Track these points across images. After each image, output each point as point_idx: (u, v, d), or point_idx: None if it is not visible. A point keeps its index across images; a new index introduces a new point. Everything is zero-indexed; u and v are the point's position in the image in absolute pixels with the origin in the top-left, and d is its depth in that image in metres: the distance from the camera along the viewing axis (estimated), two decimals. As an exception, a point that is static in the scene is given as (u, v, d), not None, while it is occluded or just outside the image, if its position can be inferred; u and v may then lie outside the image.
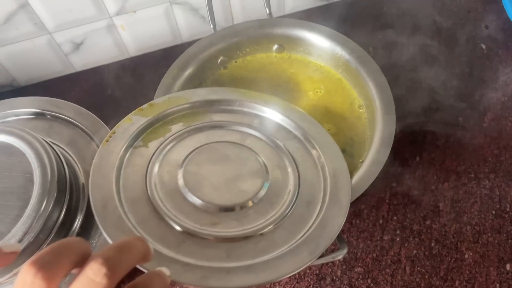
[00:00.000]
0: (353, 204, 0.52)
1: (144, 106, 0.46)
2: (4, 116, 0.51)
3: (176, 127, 0.46)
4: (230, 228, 0.39)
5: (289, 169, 0.43)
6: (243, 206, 0.41)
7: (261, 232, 0.39)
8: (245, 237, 0.39)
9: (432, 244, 0.54)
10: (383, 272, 0.52)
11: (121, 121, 0.45)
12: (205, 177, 0.42)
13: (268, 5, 0.58)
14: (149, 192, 0.41)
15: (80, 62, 0.67)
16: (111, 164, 0.42)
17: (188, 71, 0.54)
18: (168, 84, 0.52)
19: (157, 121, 0.46)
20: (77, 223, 0.43)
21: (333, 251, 0.48)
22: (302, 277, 0.51)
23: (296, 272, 0.37)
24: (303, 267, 0.38)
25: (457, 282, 0.52)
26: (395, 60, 0.64)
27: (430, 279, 0.52)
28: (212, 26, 0.57)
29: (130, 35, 0.66)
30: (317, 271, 0.51)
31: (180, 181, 0.42)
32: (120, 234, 0.38)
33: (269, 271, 0.37)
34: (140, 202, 0.41)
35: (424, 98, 0.62)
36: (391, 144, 0.47)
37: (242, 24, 0.57)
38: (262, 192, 0.41)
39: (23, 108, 0.51)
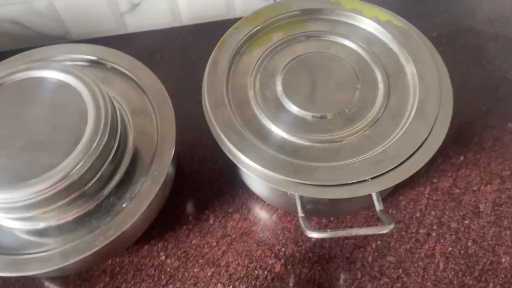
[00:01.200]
0: (391, 194, 0.55)
1: (249, 15, 0.49)
2: (61, 60, 0.51)
3: (277, 36, 0.49)
4: (320, 133, 0.42)
5: (380, 82, 0.44)
6: (334, 115, 0.43)
7: (348, 139, 0.42)
8: (333, 142, 0.41)
9: (469, 244, 0.54)
10: (416, 264, 0.52)
11: (230, 29, 0.48)
12: (301, 86, 0.45)
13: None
14: (252, 97, 0.45)
15: (134, 23, 0.68)
16: (222, 70, 0.46)
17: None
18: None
19: (260, 30, 0.49)
20: (121, 171, 0.43)
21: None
22: (332, 258, 0.50)
23: (375, 175, 0.39)
24: (382, 172, 0.39)
25: (491, 285, 0.52)
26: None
27: (464, 278, 0.52)
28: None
29: (186, 2, 0.66)
30: (348, 254, 0.50)
31: (279, 89, 0.45)
32: (230, 131, 0.42)
33: (351, 172, 0.39)
34: (245, 106, 0.45)
35: (474, 99, 0.64)
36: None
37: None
38: (352, 102, 0.43)
39: (80, 54, 0.51)
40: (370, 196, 0.40)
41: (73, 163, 0.38)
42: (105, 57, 0.50)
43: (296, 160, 0.40)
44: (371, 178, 0.39)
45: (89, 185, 0.40)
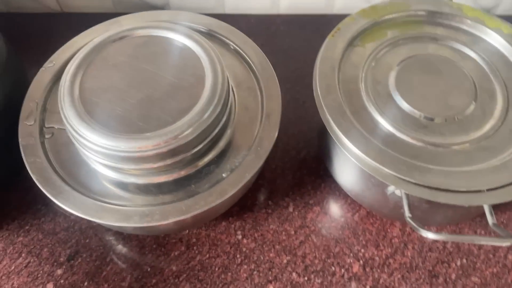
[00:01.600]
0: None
1: (366, 8, 0.48)
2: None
3: (392, 33, 0.48)
4: (432, 136, 0.40)
5: (499, 95, 0.43)
6: (447, 119, 0.41)
7: (461, 145, 0.40)
8: (445, 147, 0.40)
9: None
10: (498, 291, 0.49)
11: (346, 18, 0.47)
12: (415, 85, 0.43)
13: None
14: (363, 88, 0.44)
15: (232, 4, 0.69)
16: (335, 57, 0.45)
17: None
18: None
19: (376, 24, 0.48)
20: (224, 141, 0.43)
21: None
22: (414, 269, 0.48)
23: (492, 187, 0.36)
24: (501, 185, 0.37)
25: None
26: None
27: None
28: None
29: None
30: (430, 268, 0.48)
31: (392, 85, 0.44)
32: (340, 119, 0.41)
33: (467, 180, 0.37)
34: (355, 96, 0.44)
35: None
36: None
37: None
38: (468, 111, 0.42)
39: (196, 24, 0.51)
40: (478, 208, 0.38)
41: (187, 125, 0.37)
42: (218, 31, 0.50)
43: (406, 158, 0.39)
44: (487, 190, 0.37)
45: (195, 149, 0.39)
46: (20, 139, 0.42)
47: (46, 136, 0.43)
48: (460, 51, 0.46)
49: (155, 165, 0.39)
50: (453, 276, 0.47)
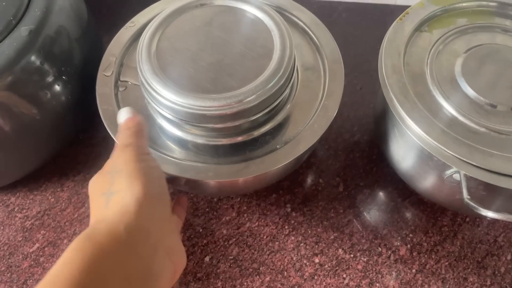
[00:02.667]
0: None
1: (437, -6, 0.49)
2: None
3: (461, 21, 0.48)
4: (496, 123, 0.40)
5: None
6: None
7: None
8: (510, 134, 0.39)
9: None
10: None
11: (416, 3, 0.48)
12: (481, 72, 0.43)
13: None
14: (428, 72, 0.44)
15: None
16: (402, 40, 0.46)
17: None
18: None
19: (445, 11, 0.48)
20: (282, 114, 0.44)
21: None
22: (462, 258, 0.47)
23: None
24: None
25: None
26: None
27: None
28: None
29: None
30: (479, 259, 0.47)
31: (458, 71, 0.44)
32: (404, 99, 0.41)
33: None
34: (419, 79, 0.44)
35: None
36: None
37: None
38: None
39: (268, 1, 0.52)
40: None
41: (251, 92, 0.39)
42: (289, 9, 0.51)
43: (469, 142, 0.39)
44: (550, 179, 0.36)
45: (255, 117, 0.41)
46: (97, 87, 0.45)
47: (120, 89, 0.46)
48: (531, 43, 0.46)
49: (216, 126, 0.41)
50: (502, 270, 0.46)
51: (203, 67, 0.41)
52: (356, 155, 0.54)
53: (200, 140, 0.43)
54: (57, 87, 0.46)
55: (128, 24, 0.50)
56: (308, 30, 0.50)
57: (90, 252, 0.26)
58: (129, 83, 0.46)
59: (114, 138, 0.41)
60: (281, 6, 0.51)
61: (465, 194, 0.37)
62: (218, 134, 0.43)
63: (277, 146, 0.43)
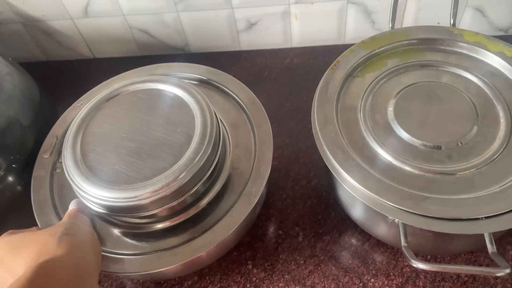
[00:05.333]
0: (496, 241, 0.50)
1: (366, 39, 0.50)
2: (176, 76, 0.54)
3: (392, 62, 0.49)
4: (431, 163, 0.40)
5: (502, 119, 0.42)
6: (448, 147, 0.41)
7: (461, 173, 0.39)
8: (445, 174, 0.40)
9: None
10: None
11: (345, 51, 0.49)
12: (414, 113, 0.44)
13: (454, 16, 0.51)
14: (361, 118, 0.45)
15: (247, 42, 0.72)
16: (333, 89, 0.47)
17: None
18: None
19: (376, 54, 0.49)
20: (218, 185, 0.44)
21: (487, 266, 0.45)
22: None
23: (491, 215, 0.36)
24: (500, 212, 0.36)
25: None
26: None
27: None
28: (390, 26, 0.52)
29: (300, 26, 0.69)
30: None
31: (390, 114, 0.44)
32: (337, 149, 0.42)
33: (464, 208, 0.37)
34: (353, 127, 0.45)
35: None
36: None
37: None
38: (470, 136, 0.41)
39: (192, 74, 0.54)
40: (478, 238, 0.37)
41: (175, 174, 0.39)
42: (212, 78, 0.53)
43: (403, 187, 0.39)
44: (485, 218, 0.36)
45: (187, 196, 0.41)
46: (34, 170, 0.47)
47: (57, 170, 0.47)
48: (462, 76, 0.46)
49: (141, 215, 0.40)
50: (475, 303, 0.45)
51: (126, 154, 0.41)
52: (314, 201, 0.54)
53: (136, 231, 0.43)
54: (10, 178, 0.48)
55: (76, 103, 0.53)
56: (234, 95, 0.51)
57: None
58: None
59: (37, 220, 0.43)
60: (204, 76, 0.53)
61: (403, 242, 0.37)
62: (146, 221, 0.43)
63: (215, 221, 0.42)
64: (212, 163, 0.42)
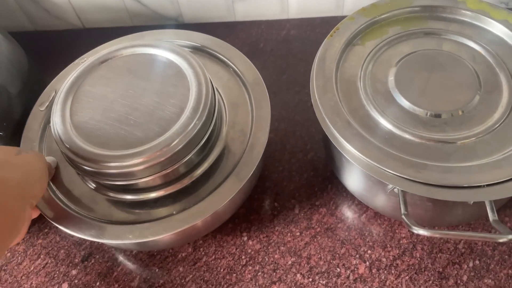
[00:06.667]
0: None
1: (366, 6, 0.48)
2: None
3: (393, 30, 0.47)
4: (432, 132, 0.40)
5: (505, 87, 0.41)
6: (450, 115, 0.40)
7: (463, 141, 0.39)
8: (446, 142, 0.39)
9: None
10: (514, 294, 0.47)
11: (345, 18, 0.47)
12: (415, 81, 0.43)
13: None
14: (361, 87, 0.44)
15: (243, 12, 0.69)
16: (333, 57, 0.45)
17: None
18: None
19: (376, 22, 0.48)
20: (211, 158, 0.43)
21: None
22: (422, 270, 0.46)
23: (494, 182, 0.35)
24: (502, 180, 0.35)
25: None
26: None
27: None
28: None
29: None
30: (440, 269, 0.46)
31: (391, 82, 0.43)
32: (336, 118, 0.41)
33: (466, 176, 0.36)
34: (352, 95, 0.44)
35: None
36: None
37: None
38: (472, 104, 0.41)
39: (187, 41, 0.52)
40: (478, 207, 0.37)
41: (166, 142, 0.38)
42: (208, 45, 0.51)
43: (404, 155, 0.38)
44: (487, 185, 0.35)
45: (181, 161, 0.39)
46: (27, 121, 0.46)
47: (49, 125, 0.45)
48: (464, 44, 0.45)
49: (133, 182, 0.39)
50: (465, 278, 0.45)
51: (116, 120, 0.39)
52: (311, 174, 0.53)
53: (127, 198, 0.42)
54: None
55: (79, 60, 0.51)
56: (232, 64, 0.49)
57: None
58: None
59: None
60: (201, 43, 0.51)
61: (402, 210, 0.36)
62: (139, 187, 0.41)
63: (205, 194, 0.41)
64: (200, 142, 0.40)
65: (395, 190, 0.39)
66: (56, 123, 0.40)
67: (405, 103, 0.42)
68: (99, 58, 0.44)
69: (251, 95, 0.47)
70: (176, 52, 0.44)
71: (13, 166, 0.36)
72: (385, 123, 0.41)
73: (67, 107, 0.41)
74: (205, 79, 0.42)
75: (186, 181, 0.41)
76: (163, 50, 0.44)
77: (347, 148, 0.39)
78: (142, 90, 0.42)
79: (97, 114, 0.40)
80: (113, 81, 0.43)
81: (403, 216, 0.36)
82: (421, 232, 0.33)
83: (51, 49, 0.71)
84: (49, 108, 0.47)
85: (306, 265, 0.47)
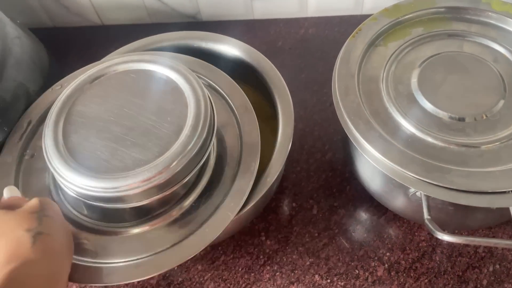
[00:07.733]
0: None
1: (389, 7, 0.48)
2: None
3: (416, 31, 0.47)
4: (456, 136, 0.39)
5: None
6: (474, 118, 0.40)
7: (487, 145, 0.38)
8: (469, 147, 0.38)
9: None
10: (533, 300, 0.46)
11: (368, 19, 0.47)
12: (439, 84, 0.42)
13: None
14: (383, 89, 0.43)
15: (261, 10, 0.69)
16: (355, 58, 0.45)
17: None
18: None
19: (399, 23, 0.47)
20: (205, 179, 0.42)
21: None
22: (442, 274, 0.46)
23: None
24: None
25: None
26: None
27: None
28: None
29: None
30: (460, 273, 0.46)
31: (414, 85, 0.43)
32: (358, 120, 0.41)
33: (490, 181, 0.36)
34: (375, 97, 0.43)
35: None
36: None
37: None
38: (496, 108, 0.40)
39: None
40: (501, 211, 0.36)
41: (158, 168, 0.36)
42: (201, 72, 0.49)
43: (427, 159, 0.38)
44: (511, 191, 0.35)
45: (178, 185, 0.38)
46: (0, 156, 0.44)
47: (26, 157, 0.45)
48: (489, 47, 0.44)
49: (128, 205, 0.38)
50: (485, 282, 0.45)
51: (112, 139, 0.38)
52: (329, 174, 0.53)
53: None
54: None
55: (54, 86, 0.49)
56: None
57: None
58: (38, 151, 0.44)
59: None
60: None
61: (426, 215, 0.36)
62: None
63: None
64: (199, 163, 0.39)
65: (418, 194, 0.39)
66: (48, 146, 0.38)
67: (428, 105, 0.41)
68: (91, 75, 0.43)
69: (239, 119, 0.45)
70: (172, 67, 0.42)
71: (35, 261, 0.33)
72: (408, 126, 0.40)
73: (59, 128, 0.39)
74: (203, 95, 0.41)
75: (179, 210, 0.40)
76: (158, 65, 0.43)
77: (369, 151, 0.39)
78: (137, 108, 0.40)
79: (91, 135, 0.39)
80: (106, 100, 0.41)
81: (426, 221, 0.35)
82: (446, 238, 0.33)
83: (70, 45, 0.71)
84: (23, 140, 0.45)
85: (324, 266, 0.47)
